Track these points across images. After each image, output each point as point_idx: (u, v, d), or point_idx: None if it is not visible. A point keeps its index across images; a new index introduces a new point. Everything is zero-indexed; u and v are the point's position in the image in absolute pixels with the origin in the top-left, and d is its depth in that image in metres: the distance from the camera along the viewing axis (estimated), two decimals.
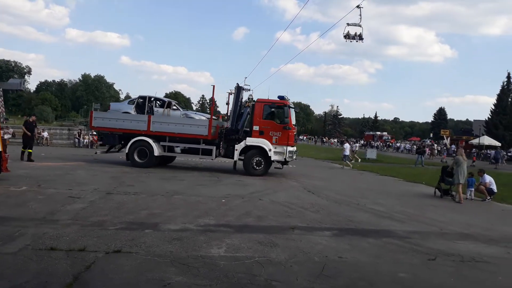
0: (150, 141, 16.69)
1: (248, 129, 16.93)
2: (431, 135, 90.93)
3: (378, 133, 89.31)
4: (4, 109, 11.48)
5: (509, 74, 64.37)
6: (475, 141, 54.73)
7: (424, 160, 31.37)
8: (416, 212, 10.66)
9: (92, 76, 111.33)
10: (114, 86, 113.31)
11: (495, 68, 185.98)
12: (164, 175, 14.69)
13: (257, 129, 16.49)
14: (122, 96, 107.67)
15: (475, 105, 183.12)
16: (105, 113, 19.85)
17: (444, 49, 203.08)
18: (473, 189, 13.86)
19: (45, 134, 28.02)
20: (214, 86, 17.82)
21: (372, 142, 73.47)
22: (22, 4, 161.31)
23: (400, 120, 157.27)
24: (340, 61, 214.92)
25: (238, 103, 17.30)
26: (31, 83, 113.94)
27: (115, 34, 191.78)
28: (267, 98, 17.32)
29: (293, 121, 16.86)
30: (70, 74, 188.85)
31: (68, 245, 5.71)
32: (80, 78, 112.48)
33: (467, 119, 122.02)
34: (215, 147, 16.70)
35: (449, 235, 8.26)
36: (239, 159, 16.84)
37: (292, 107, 16.74)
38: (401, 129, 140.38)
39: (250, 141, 16.47)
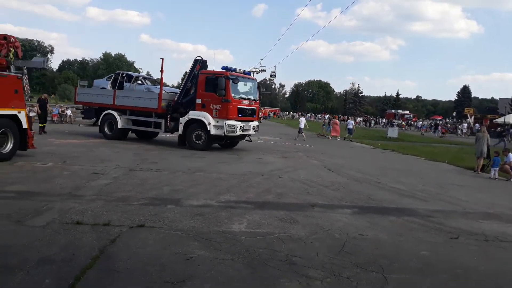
0: (115, 114, 17.56)
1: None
2: (454, 113, 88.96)
3: (400, 111, 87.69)
4: (29, 87, 11.69)
5: None
6: (500, 119, 53.20)
7: (437, 138, 31.52)
8: (439, 191, 10.53)
9: (113, 55, 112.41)
10: (135, 64, 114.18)
11: None
12: (185, 152, 14.83)
13: (200, 102, 15.88)
14: (143, 73, 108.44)
15: (501, 83, 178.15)
16: (86, 89, 21.38)
17: (471, 24, 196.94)
18: (497, 168, 13.59)
19: (69, 112, 28.47)
20: (162, 59, 17.15)
21: (393, 120, 72.29)
22: None
23: (423, 98, 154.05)
24: (361, 38, 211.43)
25: (190, 77, 16.74)
26: (54, 62, 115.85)
27: (135, 12, 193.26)
28: (214, 69, 16.75)
29: (236, 94, 15.87)
30: (92, 53, 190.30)
31: (94, 220, 5.86)
32: (101, 56, 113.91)
33: (492, 97, 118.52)
34: (163, 120, 16.72)
35: (472, 214, 8.16)
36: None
37: (231, 78, 15.40)
38: (423, 108, 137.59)
39: (193, 114, 15.92)
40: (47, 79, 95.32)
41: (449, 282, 4.62)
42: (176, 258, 4.68)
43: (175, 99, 16.92)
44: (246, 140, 18.03)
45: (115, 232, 5.37)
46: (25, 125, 10.88)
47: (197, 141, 15.88)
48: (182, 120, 16.16)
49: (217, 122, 15.54)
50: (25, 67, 11.80)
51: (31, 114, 17.68)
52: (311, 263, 4.76)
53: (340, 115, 76.05)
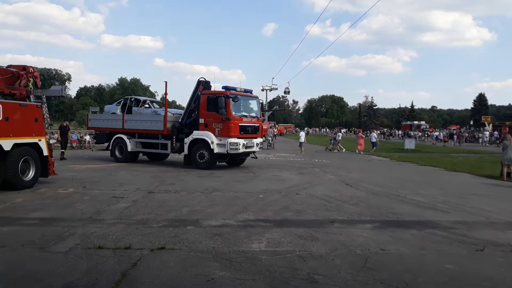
0: (125, 137, 18.08)
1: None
2: (471, 122, 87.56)
3: (416, 122, 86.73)
4: (48, 115, 12.18)
5: None
6: None
7: (453, 147, 31.25)
8: (460, 201, 10.32)
9: (129, 80, 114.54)
10: (150, 88, 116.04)
11: None
12: (202, 173, 14.91)
13: (202, 122, 16.22)
14: (158, 98, 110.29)
15: None
16: (97, 114, 22.32)
17: (482, 32, 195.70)
18: None
19: (87, 137, 28.99)
20: (166, 82, 17.54)
21: (410, 132, 71.49)
22: (60, 13, 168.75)
23: (438, 108, 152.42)
24: (373, 51, 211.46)
25: (193, 98, 17.10)
26: (72, 89, 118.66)
27: (148, 37, 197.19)
28: (215, 89, 17.13)
29: (237, 112, 16.06)
30: (108, 78, 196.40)
31: (115, 244, 5.92)
32: (117, 82, 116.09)
33: (509, 104, 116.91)
34: (169, 141, 17.04)
35: (497, 224, 7.96)
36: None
37: (231, 97, 15.65)
38: (439, 117, 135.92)
39: (196, 134, 16.26)
40: (66, 106, 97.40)
41: None
42: (197, 280, 4.68)
43: (180, 120, 17.26)
44: (251, 157, 18.17)
45: (137, 256, 5.41)
46: (45, 152, 11.15)
47: (200, 160, 16.16)
48: (187, 140, 16.48)
49: (220, 140, 15.80)
50: (44, 96, 12.18)
51: (51, 141, 18.21)
52: (333, 281, 4.71)
53: (355, 128, 75.71)
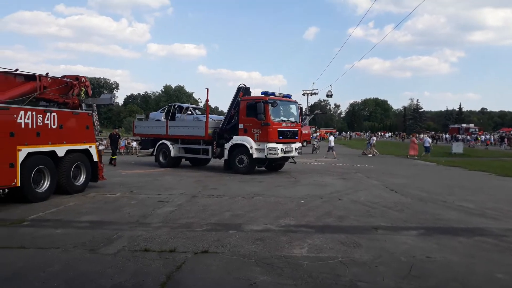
0: (168, 143, 18.60)
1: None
2: None
3: (464, 125, 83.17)
4: (98, 123, 12.78)
5: None
6: None
7: (504, 151, 30.11)
8: None
9: (173, 87, 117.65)
10: (194, 95, 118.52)
11: None
12: (244, 177, 15.07)
13: (242, 127, 16.39)
14: (201, 104, 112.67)
15: None
16: (142, 121, 22.87)
17: None
18: None
19: (134, 144, 29.99)
20: (208, 89, 18.13)
21: (457, 135, 68.70)
22: (108, 24, 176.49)
23: (488, 110, 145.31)
24: (418, 52, 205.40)
25: (233, 104, 17.25)
26: (119, 97, 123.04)
27: (192, 45, 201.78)
28: (255, 94, 17.30)
29: (276, 117, 16.08)
30: (153, 86, 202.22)
31: (160, 246, 6.11)
32: (162, 89, 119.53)
33: None
34: (210, 146, 17.29)
35: None
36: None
37: (270, 102, 15.69)
38: (489, 120, 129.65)
39: (236, 139, 16.43)
40: (114, 113, 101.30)
41: None
42: (239, 284, 4.76)
43: (220, 126, 17.59)
44: (290, 162, 18.23)
45: (181, 259, 5.56)
46: (95, 158, 11.68)
47: (240, 165, 16.39)
48: (227, 146, 16.75)
49: (259, 145, 15.96)
50: (95, 104, 12.77)
51: (101, 147, 19.03)
52: None
53: (399, 132, 73.70)
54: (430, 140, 31.03)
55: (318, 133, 63.56)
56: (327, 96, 62.63)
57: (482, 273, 5.27)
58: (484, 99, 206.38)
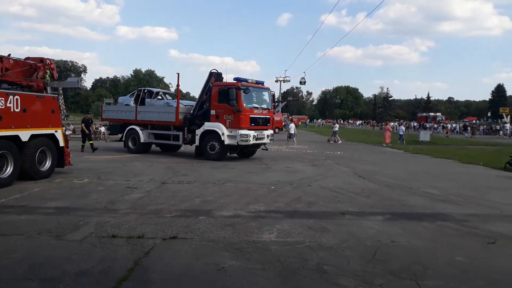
0: (137, 128, 18.32)
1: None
2: (489, 113, 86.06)
3: (432, 114, 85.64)
4: (64, 107, 12.32)
5: None
6: None
7: (468, 139, 31.52)
8: (475, 194, 10.23)
9: (143, 71, 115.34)
10: (164, 80, 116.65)
11: None
12: (215, 164, 15.03)
13: (214, 113, 16.29)
14: (172, 89, 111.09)
15: None
16: (111, 106, 22.56)
17: (504, 20, 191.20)
18: None
19: (102, 129, 29.33)
20: (178, 74, 17.66)
21: (425, 123, 70.62)
22: (76, 5, 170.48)
23: (455, 99, 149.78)
24: (389, 41, 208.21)
25: (205, 89, 17.10)
26: (87, 81, 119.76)
27: (163, 28, 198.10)
28: (227, 80, 17.13)
29: (248, 103, 16.08)
30: (123, 70, 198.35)
31: (128, 233, 6.04)
32: (132, 73, 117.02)
33: None
34: (181, 132, 17.19)
35: (510, 217, 7.88)
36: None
37: (242, 88, 15.65)
38: (456, 109, 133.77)
39: (207, 125, 16.35)
40: (81, 97, 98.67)
41: None
42: (208, 269, 4.77)
43: (191, 111, 17.40)
44: (262, 149, 18.32)
45: (149, 244, 5.52)
46: (62, 143, 11.35)
47: (211, 152, 16.31)
48: (198, 132, 16.60)
49: (231, 132, 15.88)
50: (61, 88, 12.36)
51: (67, 132, 18.43)
52: (342, 272, 4.75)
53: (370, 120, 74.96)
54: (403, 128, 31.75)
55: (288, 119, 63.95)
56: (300, 83, 62.86)
57: (443, 256, 5.46)
58: (451, 89, 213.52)
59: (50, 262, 4.87)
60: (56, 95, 11.66)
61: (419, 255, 5.48)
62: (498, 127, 55.37)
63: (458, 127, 61.07)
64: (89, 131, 20.24)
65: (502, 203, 9.22)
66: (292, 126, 30.01)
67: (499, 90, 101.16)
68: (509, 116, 60.34)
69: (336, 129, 32.55)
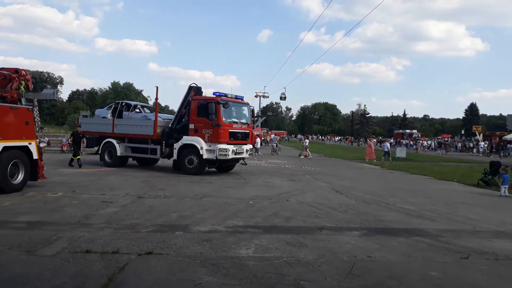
0: (114, 142, 18.06)
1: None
2: (463, 131, 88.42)
3: (408, 131, 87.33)
4: (39, 119, 11.98)
5: None
6: (509, 136, 52.82)
7: (442, 156, 32.83)
8: (448, 210, 10.44)
9: (122, 84, 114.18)
10: (143, 93, 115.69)
11: None
12: (193, 178, 14.91)
13: (193, 127, 16.21)
14: (151, 103, 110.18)
15: (509, 99, 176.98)
16: (88, 118, 22.15)
17: (476, 42, 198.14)
18: (507, 186, 13.46)
19: None
20: (157, 87, 17.46)
21: (401, 140, 71.95)
22: (54, 16, 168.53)
23: (430, 117, 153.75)
24: (367, 59, 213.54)
25: (184, 103, 17.05)
26: (64, 93, 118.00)
27: (143, 41, 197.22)
28: (206, 95, 17.11)
29: (227, 118, 16.06)
30: (100, 82, 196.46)
31: (102, 248, 5.91)
32: (110, 86, 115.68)
33: (500, 114, 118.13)
34: (159, 146, 17.10)
35: (482, 233, 8.06)
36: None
37: (222, 103, 15.69)
38: (431, 127, 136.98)
39: (186, 139, 16.23)
40: (57, 109, 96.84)
41: None
42: (184, 285, 4.70)
43: (170, 125, 17.27)
44: (241, 163, 18.26)
45: (124, 260, 5.41)
46: (35, 155, 11.08)
47: (189, 166, 16.15)
48: (176, 146, 16.47)
49: (209, 146, 15.82)
50: (36, 99, 12.10)
51: (42, 144, 17.90)
52: (319, 287, 4.75)
53: (348, 136, 75.87)
54: (388, 145, 32.38)
55: (269, 135, 64.31)
56: (281, 98, 63.39)
57: (418, 271, 5.54)
58: (427, 107, 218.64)
59: (21, 278, 4.71)
60: (31, 107, 11.42)
61: (394, 270, 5.54)
62: (472, 144, 57.03)
63: (433, 144, 62.54)
64: (79, 147, 19.09)
65: (474, 219, 9.44)
66: (258, 140, 31.09)
67: (472, 109, 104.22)
68: (481, 134, 62.17)
69: (306, 144, 33.17)
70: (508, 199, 13.04)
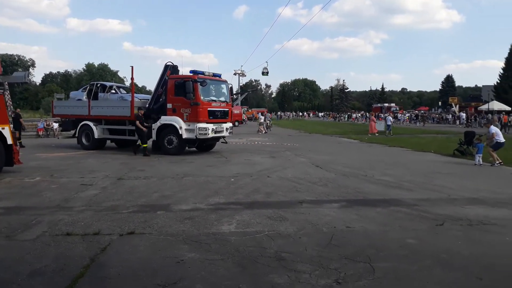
0: (91, 124, 17.81)
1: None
2: (440, 103, 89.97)
3: (386, 104, 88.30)
4: (11, 103, 11.63)
5: None
6: (484, 107, 54.09)
7: (421, 128, 34.11)
8: (425, 180, 10.70)
9: (96, 65, 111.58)
10: (119, 73, 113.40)
11: (504, 31, 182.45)
12: (174, 158, 14.86)
13: (170, 107, 16.06)
14: (127, 83, 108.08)
15: (484, 70, 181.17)
16: (62, 101, 22.07)
17: (452, 14, 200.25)
18: (481, 154, 13.84)
19: (55, 125, 28.22)
20: (132, 67, 17.15)
21: (380, 114, 72.84)
22: None
23: (408, 90, 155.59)
24: (345, 34, 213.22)
25: (160, 83, 16.88)
26: (36, 76, 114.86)
27: (116, 20, 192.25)
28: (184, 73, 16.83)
29: (206, 96, 15.93)
30: (74, 64, 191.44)
31: (83, 230, 5.90)
32: (84, 68, 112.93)
33: (476, 85, 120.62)
34: None
35: (457, 200, 8.32)
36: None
37: (199, 81, 15.49)
38: (409, 99, 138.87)
39: (164, 119, 16.11)
40: (31, 93, 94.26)
41: (434, 267, 4.74)
42: (166, 262, 4.74)
43: (147, 105, 17.06)
44: (221, 142, 18.26)
45: (106, 241, 5.41)
46: (10, 141, 10.82)
47: (169, 146, 16.07)
48: (155, 126, 16.32)
49: (189, 125, 15.69)
50: (6, 83, 11.73)
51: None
52: (299, 258, 4.86)
53: (330, 112, 76.20)
54: (391, 118, 33.12)
55: (259, 113, 64.34)
56: (263, 73, 62.90)
57: (395, 239, 5.71)
58: (405, 80, 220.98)
59: (1, 263, 4.69)
60: (2, 91, 11.09)
61: (372, 239, 5.70)
62: (449, 116, 58.23)
63: (411, 116, 63.63)
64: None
65: (450, 187, 9.70)
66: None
67: (449, 80, 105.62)
68: (457, 105, 63.45)
69: (262, 120, 35.24)
70: (482, 167, 13.43)
